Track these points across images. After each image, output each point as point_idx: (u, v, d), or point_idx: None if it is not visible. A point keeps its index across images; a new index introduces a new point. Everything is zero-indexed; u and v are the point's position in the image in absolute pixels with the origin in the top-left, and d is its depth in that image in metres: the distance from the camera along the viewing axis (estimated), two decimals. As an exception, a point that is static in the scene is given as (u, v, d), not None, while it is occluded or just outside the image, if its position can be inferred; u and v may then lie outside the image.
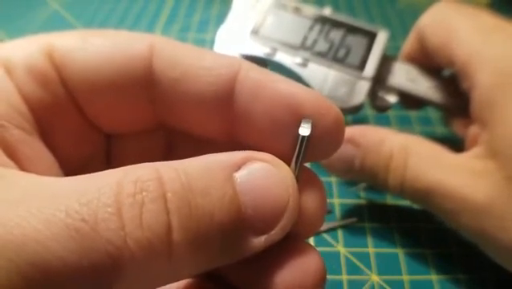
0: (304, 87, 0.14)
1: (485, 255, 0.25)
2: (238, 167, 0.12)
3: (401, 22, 0.46)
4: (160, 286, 0.12)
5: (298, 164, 0.14)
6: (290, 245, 0.14)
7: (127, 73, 0.15)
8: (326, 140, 0.14)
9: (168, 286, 0.14)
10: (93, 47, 0.15)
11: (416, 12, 0.48)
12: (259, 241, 0.12)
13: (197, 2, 0.49)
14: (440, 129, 0.34)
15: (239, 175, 0.12)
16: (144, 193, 0.11)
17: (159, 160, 0.13)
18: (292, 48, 0.28)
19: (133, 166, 0.12)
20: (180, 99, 0.15)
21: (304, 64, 0.28)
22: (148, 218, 0.11)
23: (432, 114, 0.35)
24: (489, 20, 0.23)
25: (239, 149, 0.14)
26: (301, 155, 0.14)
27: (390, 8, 0.48)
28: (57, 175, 0.15)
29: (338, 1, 0.50)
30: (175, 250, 0.11)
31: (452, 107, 0.27)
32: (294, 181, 0.13)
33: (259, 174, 0.12)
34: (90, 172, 0.12)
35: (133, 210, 0.10)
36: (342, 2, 0.49)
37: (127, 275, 0.10)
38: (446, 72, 0.28)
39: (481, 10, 0.24)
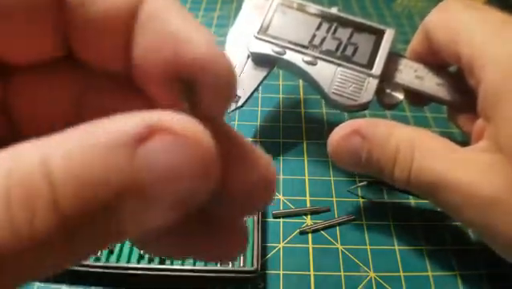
0: (197, 30, 0.12)
1: (480, 251, 0.26)
2: (140, 141, 0.10)
3: (397, 25, 0.46)
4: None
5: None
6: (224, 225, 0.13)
7: None
8: (216, 96, 0.13)
9: None
10: None
11: (411, 15, 0.49)
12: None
13: (199, 4, 0.50)
14: (436, 129, 0.34)
15: (143, 153, 0.10)
16: (36, 201, 0.09)
17: (65, 100, 0.13)
18: (301, 46, 0.28)
19: (17, 152, 0.10)
20: (85, 22, 0.13)
21: (313, 62, 0.28)
22: (40, 225, 0.09)
23: (429, 114, 0.36)
24: (495, 17, 0.23)
25: (136, 86, 0.13)
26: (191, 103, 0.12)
27: (386, 11, 0.49)
28: None
29: (336, 4, 0.50)
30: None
31: (458, 104, 0.27)
32: (213, 151, 0.11)
33: (166, 152, 0.10)
34: None
35: (25, 219, 0.09)
36: (340, 5, 0.50)
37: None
38: (452, 69, 0.28)
39: (488, 8, 0.24)
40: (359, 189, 0.29)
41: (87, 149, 0.10)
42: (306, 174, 0.30)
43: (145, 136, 0.10)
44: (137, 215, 0.10)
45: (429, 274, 0.25)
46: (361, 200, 0.29)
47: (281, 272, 0.25)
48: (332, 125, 0.25)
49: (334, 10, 0.30)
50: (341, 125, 0.24)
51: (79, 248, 0.10)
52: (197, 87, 0.12)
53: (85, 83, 0.15)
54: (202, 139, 0.10)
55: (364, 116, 0.35)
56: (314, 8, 0.30)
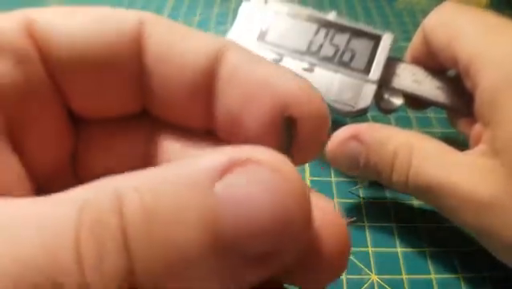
0: (284, 72, 0.12)
1: (484, 254, 0.25)
2: (222, 174, 0.08)
3: (400, 23, 0.46)
4: None
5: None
6: None
7: (116, 51, 0.13)
8: (309, 136, 0.12)
9: None
10: (79, 23, 0.13)
11: (414, 12, 0.48)
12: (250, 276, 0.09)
13: (197, 2, 0.49)
14: (439, 130, 0.34)
15: (221, 187, 0.08)
16: (105, 232, 0.08)
17: (137, 153, 0.13)
18: (298, 53, 0.28)
19: (93, 188, 0.09)
20: (164, 80, 0.13)
21: (310, 69, 0.28)
22: (109, 264, 0.08)
23: (432, 114, 0.35)
24: (493, 21, 0.23)
25: (221, 140, 0.13)
26: (289, 145, 0.12)
27: (389, 9, 0.49)
28: (24, 190, 0.12)
29: (338, 3, 0.50)
30: None
31: (457, 108, 0.27)
32: (308, 194, 0.09)
33: (251, 186, 0.08)
34: (60, 178, 0.12)
35: (94, 256, 0.08)
36: (342, 4, 0.50)
37: None
38: (451, 73, 0.28)
39: (485, 11, 0.24)
40: (360, 190, 0.29)
41: (159, 185, 0.08)
42: (307, 175, 0.30)
43: (226, 168, 0.08)
44: (213, 269, 0.08)
45: (432, 276, 0.24)
46: (363, 201, 0.28)
47: (281, 275, 0.24)
48: (333, 125, 0.25)
49: (331, 16, 0.30)
50: (340, 130, 0.25)
51: None
52: (296, 127, 0.12)
53: (157, 134, 0.15)
54: (297, 176, 0.08)
55: (367, 118, 0.34)
56: (311, 14, 0.30)
